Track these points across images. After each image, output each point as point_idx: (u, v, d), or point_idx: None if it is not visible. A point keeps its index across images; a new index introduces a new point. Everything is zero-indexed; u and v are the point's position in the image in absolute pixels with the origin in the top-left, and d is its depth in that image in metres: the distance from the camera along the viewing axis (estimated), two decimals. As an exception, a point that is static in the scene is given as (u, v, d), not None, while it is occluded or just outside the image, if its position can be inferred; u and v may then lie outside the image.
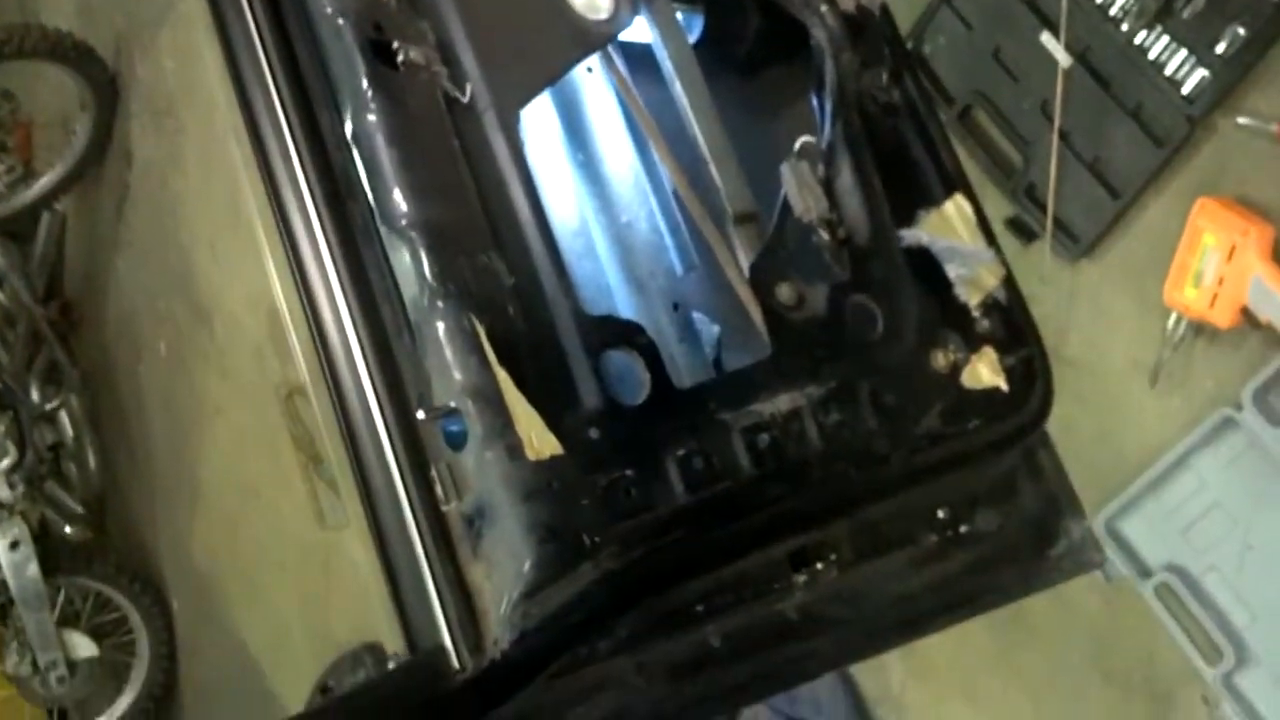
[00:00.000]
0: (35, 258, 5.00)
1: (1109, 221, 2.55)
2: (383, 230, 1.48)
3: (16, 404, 4.80)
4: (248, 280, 4.29)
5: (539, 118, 1.99)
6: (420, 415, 1.44)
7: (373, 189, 1.48)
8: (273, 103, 1.53)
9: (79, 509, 5.01)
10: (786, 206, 1.78)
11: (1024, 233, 2.66)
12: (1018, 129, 2.67)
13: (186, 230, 4.72)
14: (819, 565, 1.65)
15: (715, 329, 1.94)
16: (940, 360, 1.78)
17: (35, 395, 4.89)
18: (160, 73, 4.75)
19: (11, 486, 4.67)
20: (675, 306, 1.95)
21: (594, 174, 2.00)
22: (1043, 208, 2.62)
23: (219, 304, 4.62)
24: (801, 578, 1.64)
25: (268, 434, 4.29)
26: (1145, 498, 2.59)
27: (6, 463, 4.67)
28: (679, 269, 1.97)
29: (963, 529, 1.80)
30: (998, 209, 2.64)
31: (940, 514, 1.78)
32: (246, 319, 4.43)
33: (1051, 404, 1.84)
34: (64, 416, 5.00)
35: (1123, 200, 2.51)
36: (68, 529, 4.96)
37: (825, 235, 1.78)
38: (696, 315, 1.96)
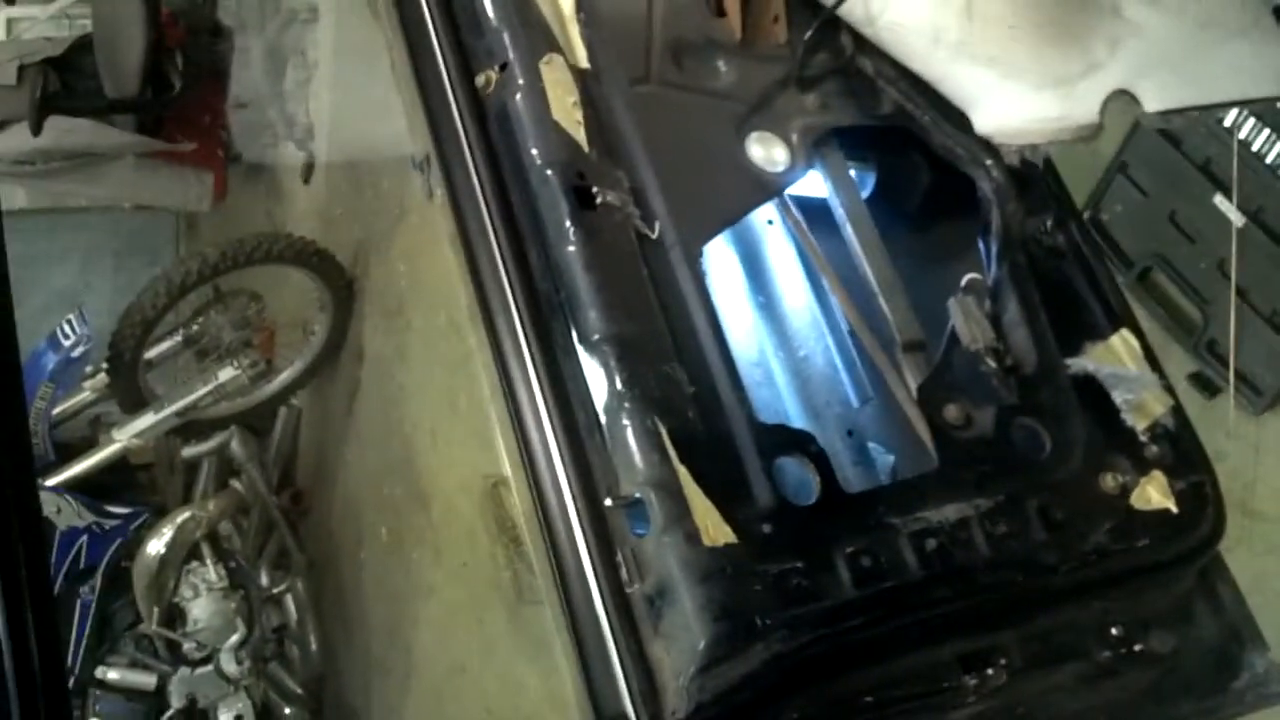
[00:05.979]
0: (272, 450, 5.37)
1: (1292, 372, 2.57)
2: (579, 345, 1.67)
3: (247, 585, 5.05)
4: (464, 464, 4.53)
5: (725, 264, 2.17)
6: (608, 503, 1.59)
7: (571, 309, 1.68)
8: (488, 235, 1.75)
9: (299, 690, 5.19)
10: (954, 336, 1.90)
11: (1207, 388, 2.70)
12: (1196, 288, 2.74)
13: (410, 420, 5.02)
14: (989, 670, 1.70)
15: (890, 458, 2.04)
16: (1109, 482, 1.83)
17: (265, 579, 5.16)
18: (393, 275, 5.15)
19: (239, 662, 4.88)
20: (850, 433, 2.06)
21: (773, 314, 2.16)
22: (1224, 363, 2.66)
23: (437, 488, 4.86)
24: (971, 680, 1.69)
25: (476, 610, 4.46)
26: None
27: (235, 639, 4.88)
28: (854, 401, 2.09)
29: (1137, 647, 1.81)
30: (1180, 365, 2.69)
31: (1113, 630, 1.80)
32: (461, 502, 4.66)
33: (1224, 527, 1.87)
34: (290, 600, 5.25)
35: (1305, 351, 2.54)
36: (287, 710, 5.14)
37: (992, 363, 1.88)
38: (871, 445, 2.06)
